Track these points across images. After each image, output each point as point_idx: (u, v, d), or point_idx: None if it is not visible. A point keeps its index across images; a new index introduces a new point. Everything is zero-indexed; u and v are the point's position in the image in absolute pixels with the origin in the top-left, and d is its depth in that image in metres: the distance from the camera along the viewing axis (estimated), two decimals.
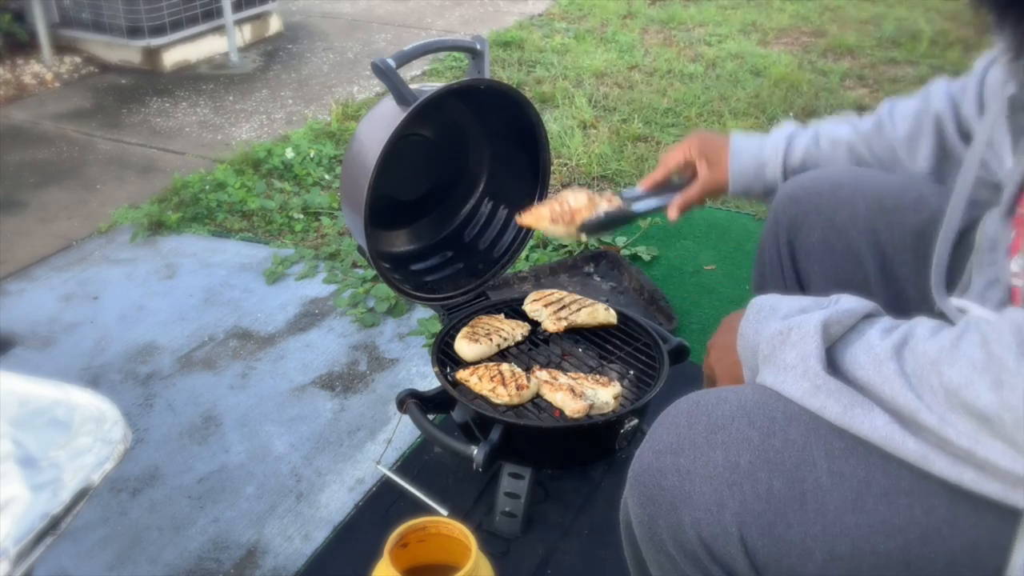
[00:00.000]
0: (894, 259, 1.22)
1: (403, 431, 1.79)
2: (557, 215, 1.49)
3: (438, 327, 1.90)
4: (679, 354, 1.64)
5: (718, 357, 1.07)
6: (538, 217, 1.53)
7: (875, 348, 0.81)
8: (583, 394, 1.47)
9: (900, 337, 0.81)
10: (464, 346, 1.60)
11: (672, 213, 1.50)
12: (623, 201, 1.50)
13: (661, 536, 0.90)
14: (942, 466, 0.77)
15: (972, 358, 0.74)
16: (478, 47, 1.56)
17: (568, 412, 1.44)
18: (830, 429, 0.83)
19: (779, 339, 0.87)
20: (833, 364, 0.84)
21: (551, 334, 1.69)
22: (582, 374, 1.55)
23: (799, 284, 1.32)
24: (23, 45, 4.16)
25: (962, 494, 0.78)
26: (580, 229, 1.48)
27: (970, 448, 0.74)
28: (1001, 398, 0.71)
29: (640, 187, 1.54)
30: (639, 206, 1.50)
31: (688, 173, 1.51)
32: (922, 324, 0.82)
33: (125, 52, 4.12)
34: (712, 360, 1.09)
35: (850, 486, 0.82)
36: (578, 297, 1.74)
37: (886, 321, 0.85)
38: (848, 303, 0.87)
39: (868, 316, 0.87)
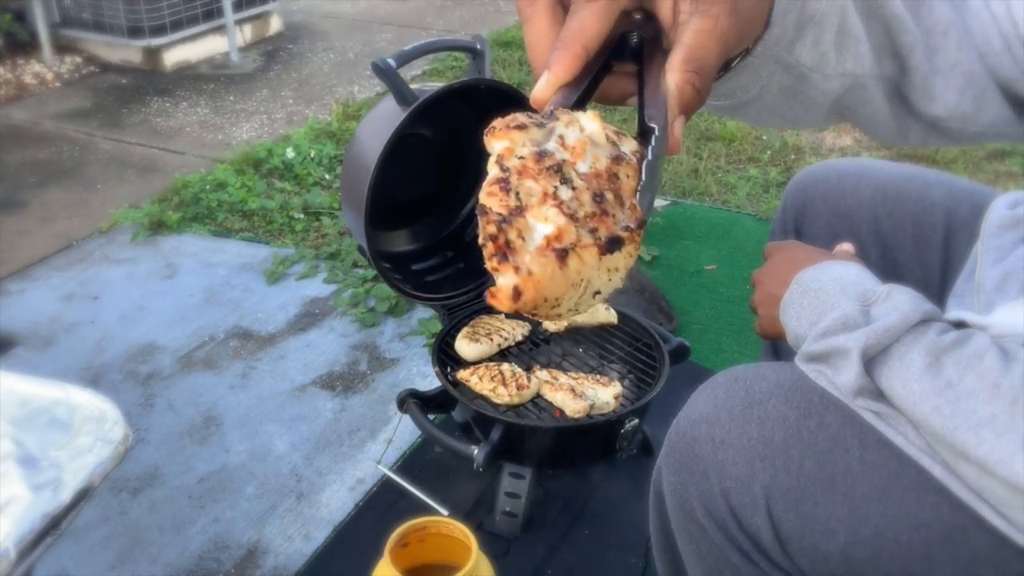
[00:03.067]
0: (895, 246, 1.23)
1: (403, 431, 1.79)
2: None
3: (438, 327, 1.90)
4: (679, 354, 1.64)
5: (762, 302, 1.06)
6: None
7: (911, 384, 0.78)
8: (584, 394, 1.47)
9: (948, 369, 0.77)
10: (464, 346, 1.60)
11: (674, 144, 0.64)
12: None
13: (692, 504, 0.92)
14: (964, 497, 0.78)
15: (1022, 433, 0.71)
16: (478, 47, 1.56)
17: (568, 412, 1.44)
18: (865, 420, 0.84)
19: (817, 354, 0.87)
20: (871, 374, 0.82)
21: (551, 334, 1.69)
22: (582, 374, 1.55)
23: None
24: (24, 45, 4.16)
25: None
26: None
27: (1002, 509, 0.74)
28: None
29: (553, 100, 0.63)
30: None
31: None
32: (972, 357, 0.77)
33: (126, 52, 4.12)
34: (757, 299, 1.09)
35: (880, 476, 0.83)
36: None
37: (933, 338, 0.80)
38: (892, 318, 0.81)
39: (918, 323, 0.82)
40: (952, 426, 0.74)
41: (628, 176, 0.53)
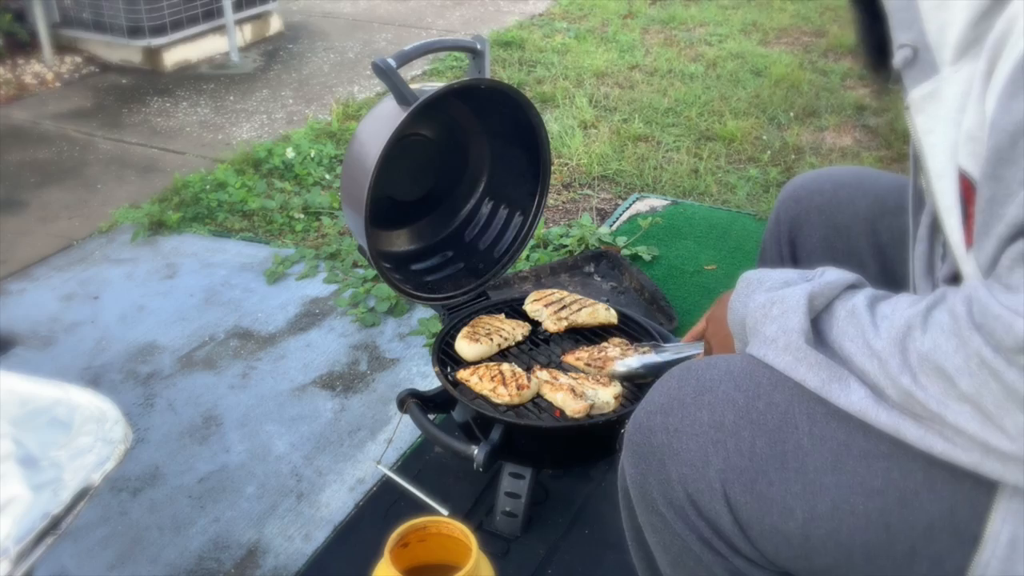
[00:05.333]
0: (895, 260, 1.22)
1: (404, 431, 1.79)
2: (592, 359, 1.56)
3: (439, 327, 1.90)
4: None
5: (713, 331, 1.12)
6: (576, 358, 1.58)
7: (860, 317, 0.82)
8: (584, 394, 1.47)
9: (883, 307, 0.83)
10: (464, 346, 1.60)
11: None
12: (658, 351, 1.52)
13: (652, 493, 0.94)
14: (913, 436, 0.79)
15: (941, 323, 0.76)
16: (478, 47, 1.56)
17: (569, 412, 1.44)
18: (813, 395, 0.86)
19: (763, 312, 0.90)
20: (819, 333, 0.86)
21: (551, 334, 1.69)
22: (582, 374, 1.55)
23: None
24: (24, 45, 4.17)
25: (940, 460, 0.80)
26: (611, 375, 1.52)
27: (940, 412, 0.76)
28: (966, 358, 0.73)
29: (683, 340, 1.51)
30: (671, 355, 1.48)
31: None
32: (904, 296, 0.84)
33: (126, 52, 4.12)
34: (708, 333, 1.14)
35: (830, 448, 0.85)
36: (578, 297, 1.74)
37: (869, 291, 0.87)
38: (832, 275, 0.88)
39: (852, 287, 0.88)
40: (899, 329, 0.79)
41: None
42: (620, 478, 1.03)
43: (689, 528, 0.91)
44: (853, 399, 0.81)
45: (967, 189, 0.80)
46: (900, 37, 0.87)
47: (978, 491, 0.80)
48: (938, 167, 0.84)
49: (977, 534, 0.80)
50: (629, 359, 1.49)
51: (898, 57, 0.87)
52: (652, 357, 1.50)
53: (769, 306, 0.89)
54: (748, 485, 0.87)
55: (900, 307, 0.81)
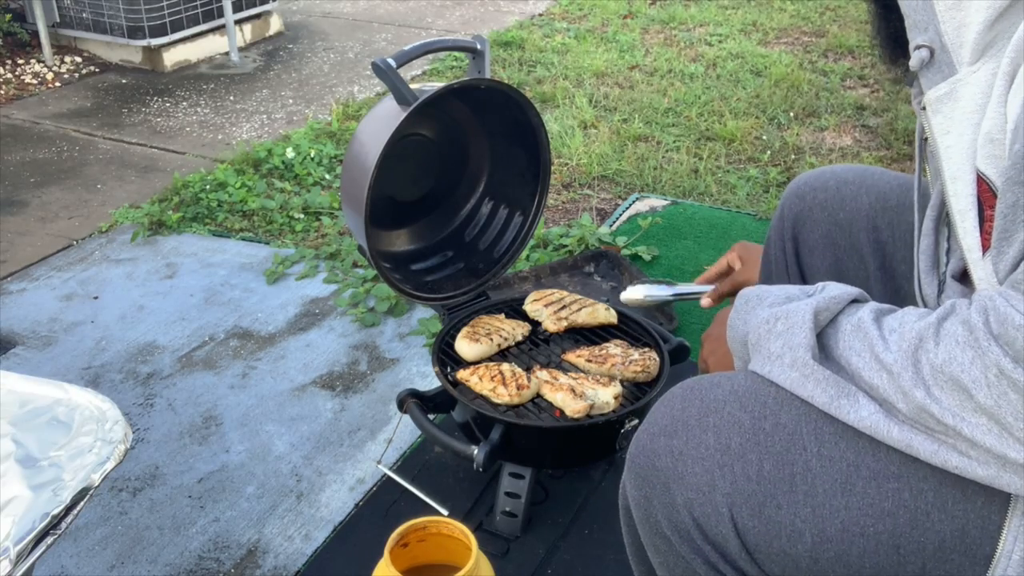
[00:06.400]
0: (894, 256, 1.23)
1: (403, 431, 1.79)
2: (593, 356, 1.61)
3: (438, 327, 1.90)
4: (679, 354, 1.64)
5: (711, 349, 1.10)
6: (577, 355, 1.63)
7: (867, 331, 0.81)
8: (584, 394, 1.47)
9: (889, 320, 0.81)
10: (464, 346, 1.60)
11: (705, 301, 1.61)
12: (667, 285, 1.65)
13: (656, 517, 0.92)
14: (926, 451, 0.78)
15: (955, 334, 0.74)
16: (478, 47, 1.56)
17: (568, 412, 1.44)
18: (820, 414, 0.84)
19: (766, 328, 0.88)
20: (824, 348, 0.84)
21: (551, 334, 1.69)
22: (582, 374, 1.55)
23: (802, 279, 1.33)
24: (24, 45, 4.17)
25: (951, 479, 0.79)
26: (623, 301, 1.61)
27: (955, 425, 0.74)
28: (983, 369, 0.72)
29: (695, 283, 1.67)
30: (678, 289, 1.60)
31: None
32: (911, 309, 0.83)
33: (126, 52, 4.12)
34: (705, 352, 1.12)
35: (839, 469, 0.84)
36: (578, 297, 1.74)
37: (874, 304, 0.86)
38: (834, 290, 0.87)
39: (855, 301, 0.87)
40: (910, 342, 0.77)
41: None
42: (622, 496, 1.01)
43: (694, 552, 0.89)
44: (863, 415, 0.80)
45: (984, 192, 0.78)
46: (917, 38, 0.87)
47: (990, 509, 0.79)
48: (953, 169, 0.82)
49: (989, 553, 0.79)
50: (637, 287, 1.48)
51: (915, 59, 0.86)
52: (659, 289, 1.50)
53: (773, 322, 0.87)
54: (756, 509, 0.85)
55: (909, 320, 0.79)
